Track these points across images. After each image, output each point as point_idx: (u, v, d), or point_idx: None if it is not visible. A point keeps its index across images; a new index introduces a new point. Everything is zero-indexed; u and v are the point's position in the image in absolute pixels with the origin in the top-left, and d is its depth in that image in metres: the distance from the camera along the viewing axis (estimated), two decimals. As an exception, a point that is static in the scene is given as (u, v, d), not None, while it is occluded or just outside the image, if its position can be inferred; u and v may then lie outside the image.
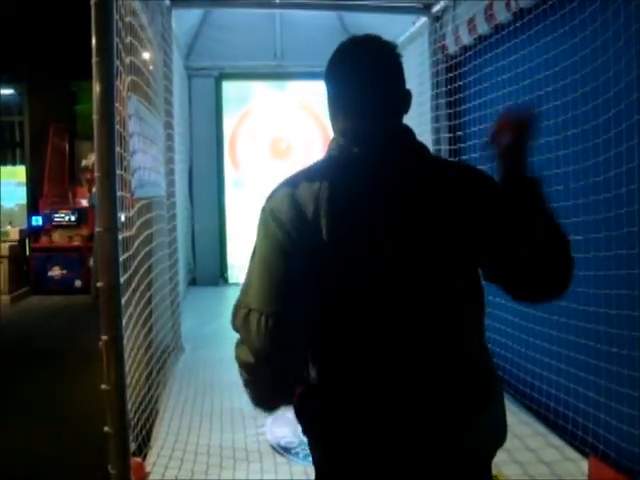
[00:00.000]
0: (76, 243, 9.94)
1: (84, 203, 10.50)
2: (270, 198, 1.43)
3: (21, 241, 10.06)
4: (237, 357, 1.45)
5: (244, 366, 1.44)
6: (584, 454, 3.14)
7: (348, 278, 1.37)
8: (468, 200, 1.43)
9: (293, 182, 1.42)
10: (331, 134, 1.54)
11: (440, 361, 1.40)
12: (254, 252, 1.43)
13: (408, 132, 1.50)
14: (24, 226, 10.36)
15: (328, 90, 1.56)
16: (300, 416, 1.48)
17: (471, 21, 4.39)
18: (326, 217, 1.34)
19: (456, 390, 1.39)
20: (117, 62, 2.34)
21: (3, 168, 11.28)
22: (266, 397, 1.50)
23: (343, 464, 1.41)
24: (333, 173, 1.40)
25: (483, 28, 4.24)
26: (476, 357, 1.47)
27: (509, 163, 1.47)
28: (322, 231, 1.34)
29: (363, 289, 1.37)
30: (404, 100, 1.53)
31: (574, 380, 3.26)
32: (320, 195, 1.36)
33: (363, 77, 1.48)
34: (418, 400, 1.37)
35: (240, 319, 1.40)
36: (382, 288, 1.37)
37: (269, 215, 1.39)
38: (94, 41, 2.07)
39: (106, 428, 2.17)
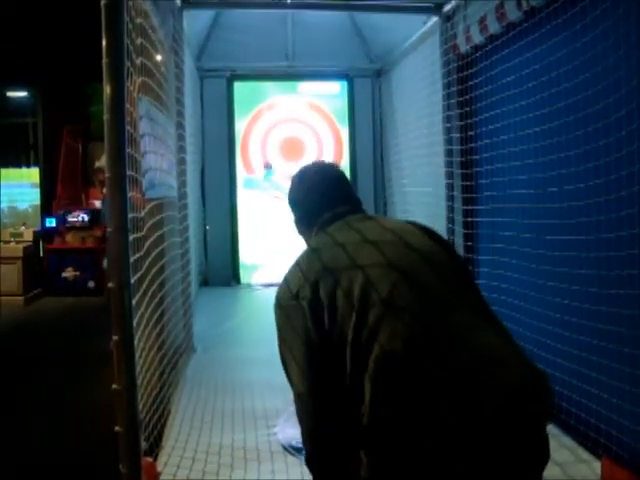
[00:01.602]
0: (89, 244, 9.98)
1: (97, 204, 10.55)
2: (282, 295, 1.64)
3: (35, 242, 10.12)
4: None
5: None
6: (597, 455, 3.12)
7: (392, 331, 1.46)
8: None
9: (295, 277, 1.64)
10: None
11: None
12: (283, 337, 1.62)
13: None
14: (38, 227, 10.42)
15: (299, 208, 1.92)
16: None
17: (482, 20, 4.38)
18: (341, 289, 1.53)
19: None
20: (128, 63, 2.35)
21: (17, 170, 11.36)
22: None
23: None
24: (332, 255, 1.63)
25: (494, 27, 4.22)
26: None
27: None
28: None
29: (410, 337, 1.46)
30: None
31: (587, 381, 3.24)
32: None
33: (330, 184, 1.90)
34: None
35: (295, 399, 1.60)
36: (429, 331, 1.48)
37: (287, 307, 1.60)
38: (104, 42, 2.08)
39: (117, 428, 2.18)
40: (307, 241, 1.86)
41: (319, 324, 1.51)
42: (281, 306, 1.62)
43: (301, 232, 1.92)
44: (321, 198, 1.86)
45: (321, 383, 1.53)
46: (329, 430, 1.53)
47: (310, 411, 1.55)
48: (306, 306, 1.53)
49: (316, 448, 1.57)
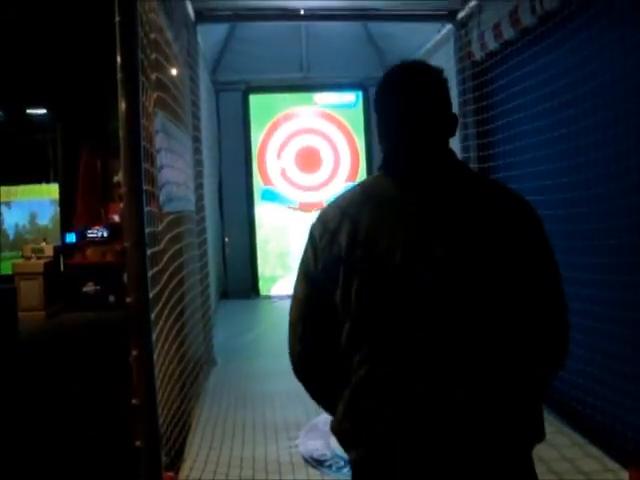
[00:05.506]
0: (109, 259, 10.04)
1: (117, 219, 10.62)
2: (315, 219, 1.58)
3: (55, 258, 10.21)
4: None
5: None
6: (624, 464, 3.06)
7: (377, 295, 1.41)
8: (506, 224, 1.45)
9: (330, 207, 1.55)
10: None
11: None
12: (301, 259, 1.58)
13: (446, 155, 1.50)
14: (58, 243, 10.51)
15: (376, 112, 1.58)
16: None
17: (497, 26, 4.36)
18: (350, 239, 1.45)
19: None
20: (143, 78, 2.36)
21: (37, 186, 11.48)
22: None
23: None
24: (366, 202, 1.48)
25: (509, 33, 4.20)
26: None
27: None
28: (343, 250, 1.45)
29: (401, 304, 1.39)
30: (449, 122, 1.52)
31: (612, 388, 3.19)
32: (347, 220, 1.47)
33: (403, 98, 1.50)
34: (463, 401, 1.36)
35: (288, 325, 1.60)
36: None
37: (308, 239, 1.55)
38: (119, 58, 2.09)
39: (137, 442, 2.18)
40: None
41: (326, 259, 1.48)
42: (309, 232, 1.56)
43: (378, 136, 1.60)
44: (397, 145, 1.52)
45: (315, 317, 1.53)
46: (314, 356, 1.57)
47: (299, 337, 1.57)
48: (326, 241, 1.49)
49: (299, 367, 1.62)
